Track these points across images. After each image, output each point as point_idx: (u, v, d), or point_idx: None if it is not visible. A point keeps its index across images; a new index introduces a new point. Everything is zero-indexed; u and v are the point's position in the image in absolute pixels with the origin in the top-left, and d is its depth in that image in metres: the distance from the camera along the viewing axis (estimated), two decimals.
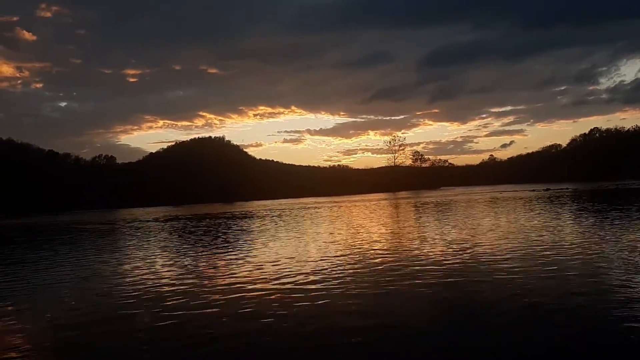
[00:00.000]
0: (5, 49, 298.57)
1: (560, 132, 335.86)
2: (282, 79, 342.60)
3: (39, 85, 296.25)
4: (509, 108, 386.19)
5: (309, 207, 67.00)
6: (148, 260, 20.54)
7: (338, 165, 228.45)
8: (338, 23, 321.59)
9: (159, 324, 10.57)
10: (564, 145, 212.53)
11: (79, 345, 9.48)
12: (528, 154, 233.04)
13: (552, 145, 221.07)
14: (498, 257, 16.69)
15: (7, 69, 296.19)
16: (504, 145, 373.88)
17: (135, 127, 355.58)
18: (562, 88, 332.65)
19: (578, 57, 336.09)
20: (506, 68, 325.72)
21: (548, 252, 17.04)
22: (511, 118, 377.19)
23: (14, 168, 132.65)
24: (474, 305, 10.79)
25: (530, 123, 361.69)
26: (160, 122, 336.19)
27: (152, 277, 16.48)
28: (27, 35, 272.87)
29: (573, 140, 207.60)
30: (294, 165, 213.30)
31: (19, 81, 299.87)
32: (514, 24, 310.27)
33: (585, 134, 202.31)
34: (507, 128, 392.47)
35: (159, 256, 21.90)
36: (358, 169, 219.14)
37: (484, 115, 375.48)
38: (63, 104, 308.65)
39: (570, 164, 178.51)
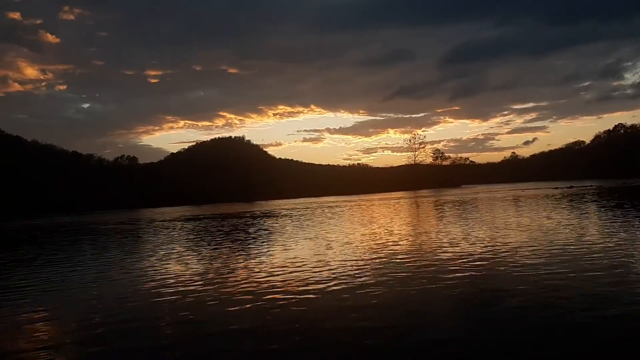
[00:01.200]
0: (29, 51, 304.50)
1: (584, 128, 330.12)
2: (302, 78, 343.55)
3: (63, 87, 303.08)
4: (531, 105, 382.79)
5: (329, 207, 66.99)
6: (172, 260, 20.73)
7: (358, 164, 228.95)
8: (359, 22, 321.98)
9: (182, 323, 10.67)
10: (588, 141, 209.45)
11: (102, 345, 9.59)
12: (551, 151, 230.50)
13: (576, 142, 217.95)
14: (523, 255, 16.45)
15: (32, 72, 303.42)
16: (526, 143, 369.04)
17: (157, 128, 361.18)
18: (586, 84, 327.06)
19: (603, 53, 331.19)
20: (529, 64, 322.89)
21: (573, 251, 16.76)
22: (533, 115, 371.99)
23: (39, 169, 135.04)
24: (500, 306, 10.63)
25: (553, 120, 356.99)
26: (181, 123, 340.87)
27: (176, 276, 16.61)
28: (51, 38, 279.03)
29: (597, 137, 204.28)
30: (313, 164, 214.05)
31: (43, 83, 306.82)
32: (538, 20, 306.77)
33: (609, 130, 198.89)
34: (529, 125, 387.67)
35: (182, 256, 22.06)
36: (378, 167, 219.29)
37: (506, 112, 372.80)
38: (86, 105, 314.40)
39: (594, 161, 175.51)
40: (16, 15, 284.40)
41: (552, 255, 16.32)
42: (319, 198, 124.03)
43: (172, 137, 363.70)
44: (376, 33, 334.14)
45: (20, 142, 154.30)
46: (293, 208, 67.98)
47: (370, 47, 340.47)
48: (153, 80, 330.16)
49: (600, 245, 17.66)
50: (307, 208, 65.22)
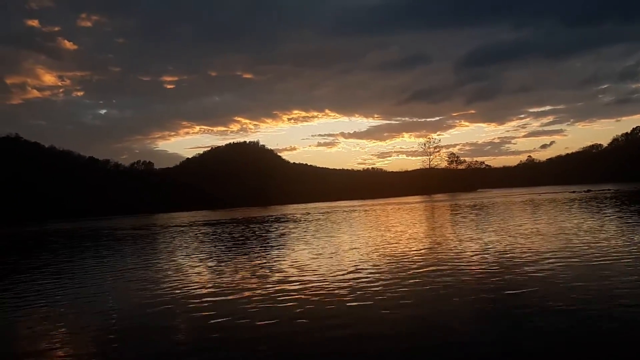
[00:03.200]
0: (47, 58, 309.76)
1: (602, 131, 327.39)
2: (319, 82, 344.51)
3: (80, 94, 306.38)
4: (548, 108, 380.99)
5: (344, 211, 66.80)
6: (189, 266, 20.70)
7: (372, 168, 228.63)
8: (376, 26, 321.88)
9: (198, 327, 10.61)
10: (606, 145, 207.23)
11: (119, 351, 9.55)
12: (568, 154, 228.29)
13: (593, 145, 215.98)
14: (545, 261, 16.14)
15: (50, 78, 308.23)
16: (544, 146, 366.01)
17: (173, 133, 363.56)
18: (605, 86, 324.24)
19: (622, 55, 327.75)
20: (547, 67, 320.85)
21: (592, 256, 16.44)
22: (550, 118, 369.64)
23: (56, 175, 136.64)
24: (520, 311, 10.41)
25: (570, 123, 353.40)
26: (197, 128, 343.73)
27: (193, 282, 16.57)
28: (69, 45, 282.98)
29: (615, 140, 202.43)
30: (327, 168, 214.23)
31: (61, 90, 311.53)
32: (556, 22, 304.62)
33: (627, 133, 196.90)
34: (546, 128, 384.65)
35: (198, 260, 22.04)
36: (392, 171, 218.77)
37: (523, 116, 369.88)
38: (103, 111, 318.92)
39: (612, 164, 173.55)
40: (34, 23, 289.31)
41: (571, 260, 16.01)
42: (334, 202, 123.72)
43: (187, 142, 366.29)
44: (393, 37, 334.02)
45: (38, 148, 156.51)
46: (307, 212, 67.90)
47: (387, 51, 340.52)
48: (169, 86, 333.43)
49: (619, 250, 17.29)
50: (322, 213, 65.11)
